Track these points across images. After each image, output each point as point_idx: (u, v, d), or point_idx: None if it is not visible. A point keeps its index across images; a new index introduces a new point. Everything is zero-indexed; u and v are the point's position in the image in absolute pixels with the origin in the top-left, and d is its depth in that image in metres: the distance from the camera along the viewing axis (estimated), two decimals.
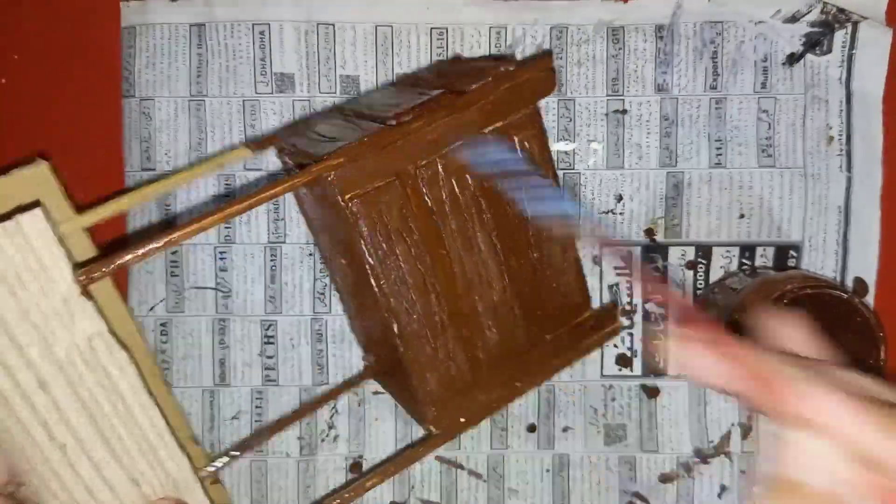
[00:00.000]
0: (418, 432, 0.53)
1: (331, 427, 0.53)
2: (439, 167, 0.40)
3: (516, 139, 0.41)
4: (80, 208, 0.39)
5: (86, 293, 0.33)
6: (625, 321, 0.53)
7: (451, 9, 0.52)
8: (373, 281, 0.40)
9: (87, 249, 0.39)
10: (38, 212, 0.32)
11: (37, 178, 0.38)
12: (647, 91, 0.52)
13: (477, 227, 0.41)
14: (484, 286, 0.42)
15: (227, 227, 0.53)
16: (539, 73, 0.40)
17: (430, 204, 0.40)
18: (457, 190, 0.40)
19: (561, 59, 0.52)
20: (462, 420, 0.43)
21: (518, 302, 0.43)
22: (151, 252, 0.34)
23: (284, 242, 0.53)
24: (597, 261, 0.53)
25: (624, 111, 0.52)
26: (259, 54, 0.52)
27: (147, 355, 0.43)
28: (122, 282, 0.53)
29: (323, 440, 0.53)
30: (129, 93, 0.52)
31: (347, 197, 0.38)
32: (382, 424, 0.53)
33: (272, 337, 0.53)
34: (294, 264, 0.53)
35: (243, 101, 0.52)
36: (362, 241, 0.39)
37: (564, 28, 0.52)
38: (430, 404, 0.42)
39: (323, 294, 0.53)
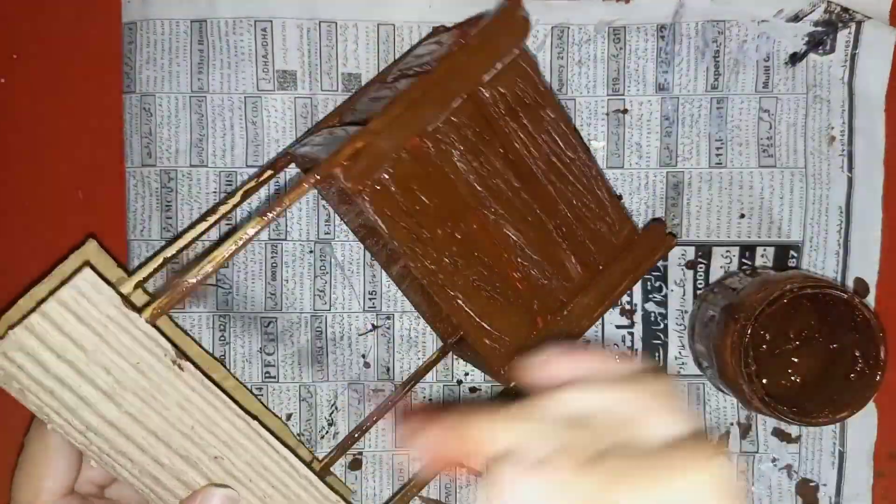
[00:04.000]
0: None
1: (331, 424, 0.53)
2: (445, 131, 0.40)
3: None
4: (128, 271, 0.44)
5: (155, 326, 0.35)
6: (625, 321, 0.53)
7: (452, 8, 0.52)
8: (411, 263, 0.41)
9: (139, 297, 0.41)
10: (87, 271, 0.34)
11: (88, 255, 0.44)
12: (648, 91, 0.52)
13: (496, 175, 0.42)
14: (523, 232, 0.43)
15: (227, 224, 0.53)
16: (509, 19, 0.40)
17: (444, 168, 0.41)
18: (468, 147, 0.41)
19: (562, 58, 0.52)
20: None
21: (563, 237, 0.44)
22: (208, 276, 0.36)
23: (285, 239, 0.53)
24: None
25: (625, 111, 0.52)
26: (261, 51, 0.52)
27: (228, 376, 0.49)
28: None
29: (322, 437, 0.53)
30: (129, 89, 0.52)
31: (360, 187, 0.38)
32: (382, 422, 0.53)
33: (272, 334, 0.53)
34: (294, 261, 0.53)
35: (245, 97, 0.52)
36: (385, 224, 0.40)
37: (566, 28, 0.52)
38: (500, 364, 0.44)
39: (323, 291, 0.53)
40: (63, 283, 0.33)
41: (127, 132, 0.53)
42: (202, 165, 0.53)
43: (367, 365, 0.53)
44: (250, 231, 0.36)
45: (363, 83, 0.52)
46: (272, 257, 0.53)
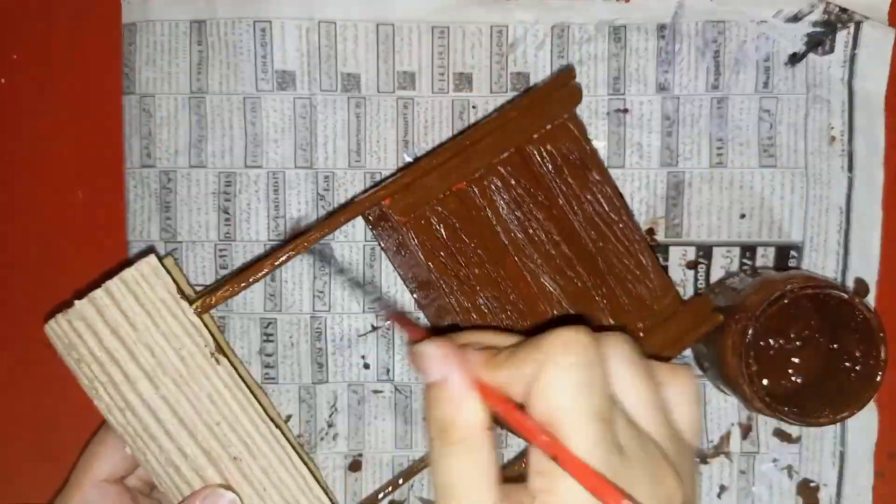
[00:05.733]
0: (417, 432, 0.53)
1: (330, 425, 0.53)
2: (491, 179, 0.43)
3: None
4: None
5: (200, 318, 0.39)
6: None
7: (452, 7, 0.52)
8: (447, 298, 0.43)
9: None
10: (151, 256, 0.38)
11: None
12: (649, 90, 0.52)
13: (538, 227, 0.44)
14: (561, 285, 0.44)
15: (227, 225, 0.53)
16: (562, 86, 0.43)
17: (487, 213, 0.43)
18: (512, 196, 0.43)
19: (562, 57, 0.52)
20: None
21: (602, 297, 0.45)
22: (258, 280, 0.40)
23: (285, 240, 0.53)
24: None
25: (625, 110, 0.52)
26: (260, 52, 0.52)
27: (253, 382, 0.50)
28: None
29: (322, 438, 0.53)
30: (129, 89, 0.52)
31: (405, 218, 0.42)
32: (382, 423, 0.53)
33: (271, 335, 0.53)
34: (294, 262, 0.53)
35: (244, 98, 0.52)
36: (425, 256, 0.42)
37: (566, 27, 0.52)
38: None
39: (322, 293, 0.53)
40: (127, 264, 0.38)
41: (126, 133, 0.53)
42: (201, 166, 0.53)
43: (366, 366, 0.53)
44: (291, 252, 0.40)
45: (362, 83, 0.52)
46: None
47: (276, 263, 0.40)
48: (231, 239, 0.53)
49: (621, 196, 0.45)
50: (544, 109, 0.43)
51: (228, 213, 0.53)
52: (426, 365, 0.28)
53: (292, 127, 0.52)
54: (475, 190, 0.43)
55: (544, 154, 0.43)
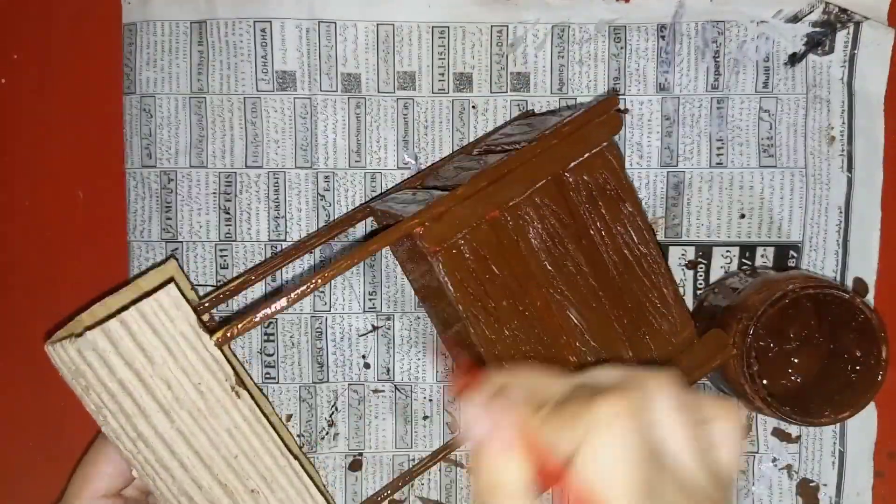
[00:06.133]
0: (417, 431, 0.53)
1: (331, 425, 0.53)
2: (525, 208, 0.42)
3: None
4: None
5: (220, 349, 0.36)
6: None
7: (452, 7, 0.52)
8: (471, 329, 0.42)
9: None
10: (171, 287, 0.35)
11: (168, 272, 0.49)
12: (649, 90, 0.52)
13: (568, 257, 0.43)
14: (586, 318, 0.44)
15: (227, 225, 0.53)
16: (604, 113, 0.42)
17: (519, 242, 0.42)
18: (545, 226, 0.42)
19: (563, 57, 0.52)
20: None
21: (623, 328, 0.44)
22: (279, 312, 0.38)
23: (285, 240, 0.53)
24: None
25: (625, 110, 0.52)
26: (260, 52, 0.52)
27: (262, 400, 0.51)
28: (123, 280, 0.53)
29: (323, 438, 0.53)
30: (129, 90, 0.52)
31: (436, 248, 0.40)
32: (382, 422, 0.53)
33: (272, 335, 0.53)
34: (294, 262, 0.53)
35: (244, 98, 0.52)
36: (453, 287, 0.41)
37: (566, 27, 0.52)
38: None
39: (323, 292, 0.53)
40: (145, 295, 0.35)
41: (127, 133, 0.53)
42: (202, 166, 0.53)
43: (367, 366, 0.53)
44: (318, 280, 0.38)
45: (362, 83, 0.52)
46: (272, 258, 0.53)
47: (297, 295, 0.38)
48: (231, 239, 0.53)
49: (651, 229, 0.45)
50: (585, 136, 0.42)
51: (229, 213, 0.53)
52: (470, 419, 0.28)
53: (292, 127, 0.52)
54: (507, 219, 0.41)
55: (580, 183, 0.42)
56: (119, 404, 0.35)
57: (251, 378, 0.52)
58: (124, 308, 0.34)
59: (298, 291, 0.38)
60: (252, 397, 0.37)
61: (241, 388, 0.37)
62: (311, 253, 0.51)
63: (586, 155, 0.42)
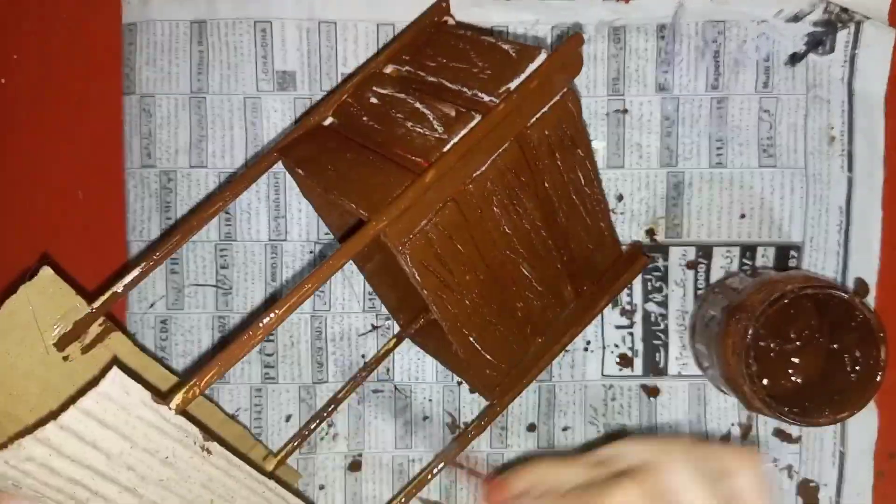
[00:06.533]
0: (417, 432, 0.53)
1: (330, 425, 0.53)
2: (488, 176, 0.38)
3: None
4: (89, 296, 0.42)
5: (183, 413, 0.32)
6: (625, 321, 0.53)
7: (453, 7, 0.52)
8: (434, 307, 0.40)
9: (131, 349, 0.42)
10: (115, 371, 0.30)
11: (43, 284, 0.41)
12: (649, 90, 0.52)
13: (524, 216, 0.41)
14: (536, 268, 0.44)
15: (227, 225, 0.53)
16: (570, 56, 0.38)
17: (481, 213, 0.39)
18: (506, 188, 0.39)
19: None
20: (518, 388, 0.48)
21: (565, 267, 0.45)
22: (238, 361, 0.34)
23: (285, 240, 0.53)
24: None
25: (625, 111, 0.52)
26: (261, 52, 0.52)
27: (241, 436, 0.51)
28: None
29: (322, 438, 0.53)
30: (129, 89, 0.52)
31: (403, 241, 0.37)
32: (382, 423, 0.53)
33: (271, 334, 0.53)
34: (295, 262, 0.53)
35: (244, 98, 0.52)
36: (420, 276, 0.38)
37: (566, 27, 0.52)
38: (493, 387, 0.47)
39: (323, 292, 0.53)
40: (85, 388, 0.29)
41: (126, 133, 0.53)
42: (202, 166, 0.53)
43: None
44: (271, 318, 0.35)
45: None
46: (272, 258, 0.53)
47: (257, 339, 0.35)
48: (231, 239, 0.53)
49: (596, 167, 0.43)
50: (549, 86, 0.38)
51: (229, 213, 0.53)
52: None
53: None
54: (472, 191, 0.38)
55: (541, 138, 0.39)
56: (69, 495, 0.30)
57: (216, 405, 0.49)
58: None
59: (259, 335, 0.35)
60: (223, 441, 0.34)
61: (210, 443, 0.33)
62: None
63: (547, 107, 0.38)
